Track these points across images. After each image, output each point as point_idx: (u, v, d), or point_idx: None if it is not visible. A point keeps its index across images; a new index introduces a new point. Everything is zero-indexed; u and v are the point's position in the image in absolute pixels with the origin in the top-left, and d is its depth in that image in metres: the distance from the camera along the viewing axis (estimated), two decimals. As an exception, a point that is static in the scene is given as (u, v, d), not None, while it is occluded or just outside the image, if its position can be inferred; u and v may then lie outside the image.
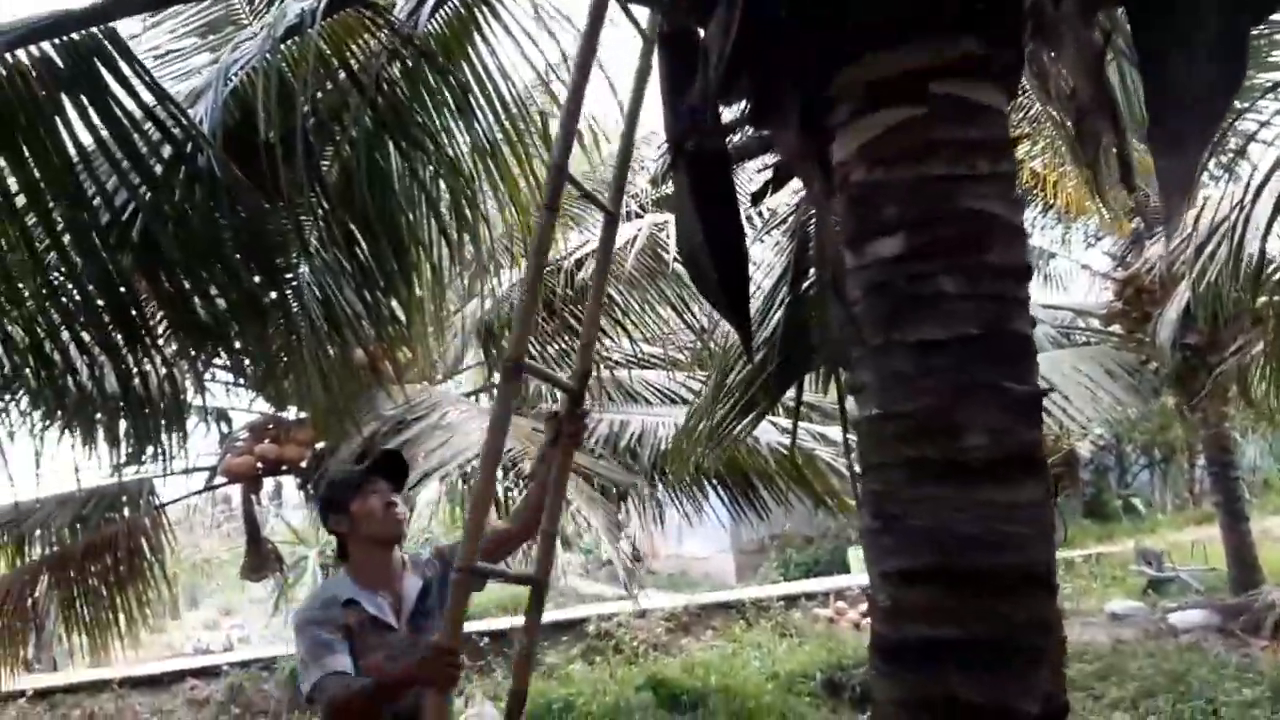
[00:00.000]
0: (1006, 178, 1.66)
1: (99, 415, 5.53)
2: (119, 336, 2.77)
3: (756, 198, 2.27)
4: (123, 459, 6.07)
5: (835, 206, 1.71)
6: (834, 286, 1.65)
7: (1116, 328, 8.76)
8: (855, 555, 12.61)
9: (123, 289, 2.67)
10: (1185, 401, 8.28)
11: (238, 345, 3.97)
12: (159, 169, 2.51)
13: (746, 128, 2.17)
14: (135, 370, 2.92)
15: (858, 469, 5.75)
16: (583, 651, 9.19)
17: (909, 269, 1.58)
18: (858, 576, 11.73)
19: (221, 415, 6.67)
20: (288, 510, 15.21)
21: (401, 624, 2.46)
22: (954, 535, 1.48)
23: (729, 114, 2.10)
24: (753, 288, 4.77)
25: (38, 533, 6.13)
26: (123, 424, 6.00)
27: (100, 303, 2.74)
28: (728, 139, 2.03)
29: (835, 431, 6.79)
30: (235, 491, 8.44)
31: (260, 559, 6.96)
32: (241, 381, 6.53)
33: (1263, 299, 7.37)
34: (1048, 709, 1.45)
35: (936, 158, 1.61)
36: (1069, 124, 3.88)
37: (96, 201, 2.49)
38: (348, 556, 2.55)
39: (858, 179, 1.67)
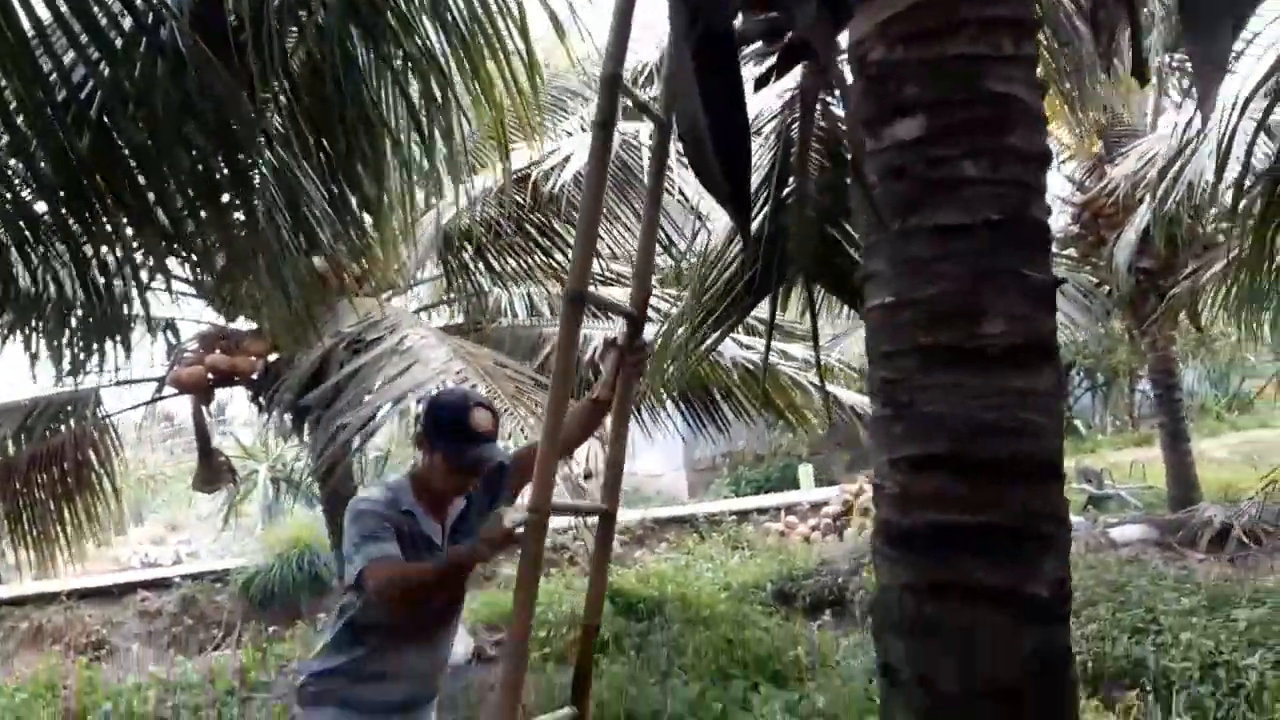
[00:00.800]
0: (1029, 60, 1.60)
1: (44, 320, 5.33)
2: (75, 225, 2.62)
3: (760, 83, 2.19)
4: (67, 367, 5.89)
5: (851, 87, 1.64)
6: (854, 169, 1.60)
7: (1071, 251, 8.88)
8: (805, 472, 12.84)
9: (80, 175, 2.52)
10: (1135, 325, 8.45)
11: (195, 245, 3.82)
12: (119, 43, 2.35)
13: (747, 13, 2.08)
14: (93, 259, 2.77)
15: (828, 384, 5.71)
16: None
17: (929, 152, 1.53)
18: (808, 493, 11.98)
19: (169, 325, 6.48)
20: (236, 428, 15.00)
21: (443, 543, 2.51)
22: (970, 422, 1.46)
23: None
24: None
25: (-21, 443, 5.96)
26: (68, 334, 5.81)
27: (60, 193, 2.59)
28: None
29: (795, 348, 6.83)
30: (178, 407, 8.27)
31: (212, 471, 6.85)
32: (192, 289, 6.33)
33: (1225, 225, 7.51)
34: (1056, 593, 1.46)
35: (959, 36, 1.54)
36: (1052, 31, 3.84)
37: (53, 78, 2.33)
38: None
39: (876, 58, 1.60)
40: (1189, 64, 7.66)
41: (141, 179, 2.79)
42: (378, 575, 2.26)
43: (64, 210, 2.51)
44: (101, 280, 3.24)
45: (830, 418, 5.68)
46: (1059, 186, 9.41)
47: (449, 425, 2.50)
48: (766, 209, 4.09)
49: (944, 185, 1.52)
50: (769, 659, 5.78)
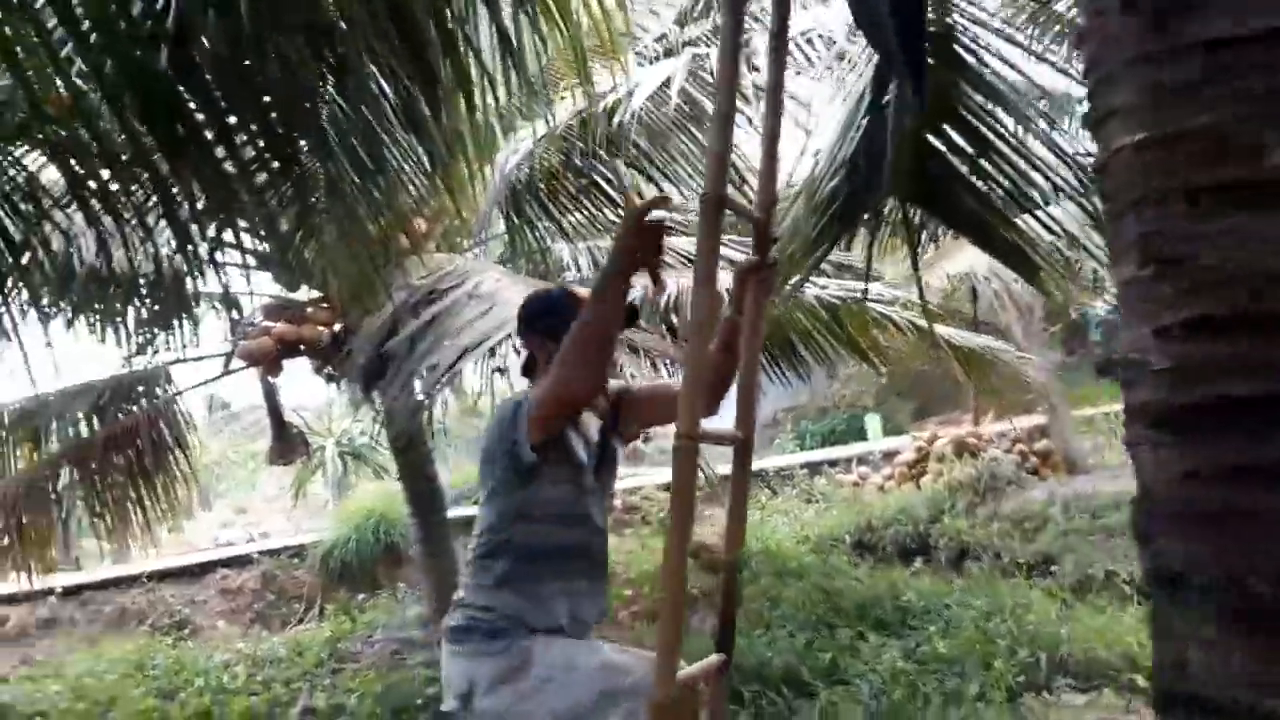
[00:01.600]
0: None
1: (110, 297, 5.16)
2: (158, 154, 2.42)
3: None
4: (134, 348, 5.76)
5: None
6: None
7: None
8: (873, 423, 12.54)
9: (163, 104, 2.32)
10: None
11: (264, 200, 3.66)
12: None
13: None
14: (175, 185, 2.55)
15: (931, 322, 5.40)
16: (610, 525, 9.12)
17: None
18: (877, 443, 11.69)
19: (231, 301, 6.35)
20: (296, 409, 15.04)
21: (588, 468, 2.33)
22: (1260, 273, 1.21)
23: None
24: (829, 116, 4.38)
25: (54, 425, 5.91)
26: (133, 313, 5.65)
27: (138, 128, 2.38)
28: None
29: (872, 286, 6.51)
30: (233, 394, 8.15)
31: (287, 444, 6.76)
32: (254, 260, 6.22)
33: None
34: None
35: None
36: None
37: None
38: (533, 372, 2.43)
39: None
40: None
41: (205, 116, 2.59)
42: (544, 388, 2.13)
43: (151, 142, 2.31)
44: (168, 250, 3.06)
45: (927, 354, 5.39)
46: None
47: (564, 305, 2.30)
48: (864, 121, 3.81)
49: (1210, -8, 1.26)
50: (868, 607, 5.57)
